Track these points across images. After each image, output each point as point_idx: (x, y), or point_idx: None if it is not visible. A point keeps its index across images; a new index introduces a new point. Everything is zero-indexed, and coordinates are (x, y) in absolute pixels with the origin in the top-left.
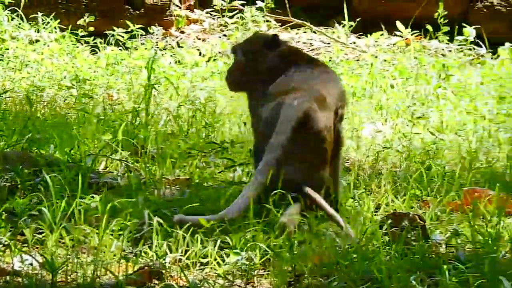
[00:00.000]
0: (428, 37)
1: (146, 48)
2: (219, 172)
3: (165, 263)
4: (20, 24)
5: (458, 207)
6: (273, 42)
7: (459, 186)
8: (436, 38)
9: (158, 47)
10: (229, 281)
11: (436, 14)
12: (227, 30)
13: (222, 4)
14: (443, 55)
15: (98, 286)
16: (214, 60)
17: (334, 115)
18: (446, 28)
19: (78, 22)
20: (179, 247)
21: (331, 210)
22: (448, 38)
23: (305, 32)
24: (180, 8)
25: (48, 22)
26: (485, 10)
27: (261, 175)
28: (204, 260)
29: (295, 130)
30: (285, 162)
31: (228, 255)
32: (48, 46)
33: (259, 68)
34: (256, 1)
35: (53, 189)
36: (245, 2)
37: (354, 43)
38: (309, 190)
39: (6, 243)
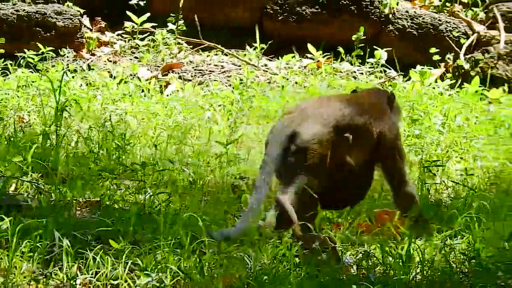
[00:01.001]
0: (339, 59)
1: (57, 70)
2: (129, 194)
3: (76, 284)
4: None
5: (369, 228)
6: None
7: (370, 208)
8: (348, 60)
9: (69, 69)
10: None
11: (354, 36)
12: (138, 52)
13: (133, 27)
14: (355, 77)
15: None
16: (125, 82)
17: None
18: (359, 51)
19: None
20: (90, 268)
21: (297, 228)
22: (359, 60)
23: (216, 54)
24: (91, 30)
25: None
26: (396, 32)
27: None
28: (115, 282)
29: (284, 145)
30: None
31: (138, 277)
32: None
33: None
34: (168, 24)
35: None
36: (156, 24)
37: (266, 65)
38: (283, 201)
39: None
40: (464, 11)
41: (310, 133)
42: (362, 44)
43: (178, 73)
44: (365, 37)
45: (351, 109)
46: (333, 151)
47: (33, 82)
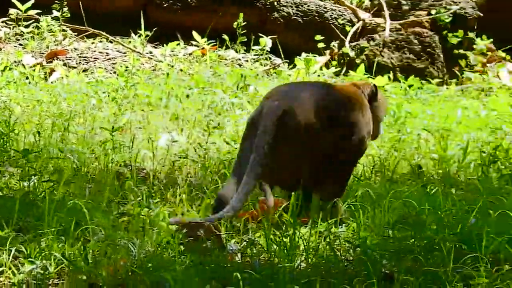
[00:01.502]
0: (224, 47)
1: None
2: (14, 181)
3: None
4: None
5: (254, 216)
6: None
7: (255, 196)
8: (233, 48)
9: None
10: None
11: (235, 24)
12: (22, 39)
13: (17, 13)
14: (240, 65)
15: None
16: (10, 69)
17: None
18: (243, 38)
19: None
20: None
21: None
22: (245, 48)
23: (101, 41)
24: None
25: None
26: (281, 20)
27: (247, 185)
28: None
29: (276, 127)
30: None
31: (23, 264)
32: None
33: None
34: (53, 11)
35: None
36: (41, 11)
37: (151, 52)
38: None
39: None
40: None
41: (303, 116)
42: (246, 31)
43: (63, 60)
44: (250, 24)
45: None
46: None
47: None
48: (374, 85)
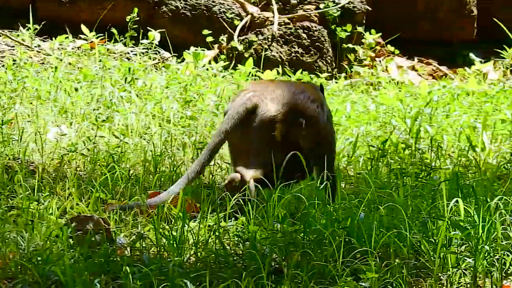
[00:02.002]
0: (113, 40)
1: None
2: None
3: None
4: None
5: (143, 210)
6: None
7: (144, 189)
8: (122, 41)
9: None
10: None
11: (128, 17)
12: None
13: None
14: (128, 58)
15: None
16: None
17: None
18: (133, 32)
19: None
20: None
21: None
22: (134, 42)
23: None
24: None
25: None
26: (170, 14)
27: (191, 173)
28: None
29: (241, 117)
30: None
31: None
32: None
33: None
34: None
35: None
36: None
37: (39, 46)
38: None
39: None
40: None
41: (273, 109)
42: (136, 26)
43: None
44: (138, 18)
45: (304, 95)
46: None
47: None
48: (321, 84)
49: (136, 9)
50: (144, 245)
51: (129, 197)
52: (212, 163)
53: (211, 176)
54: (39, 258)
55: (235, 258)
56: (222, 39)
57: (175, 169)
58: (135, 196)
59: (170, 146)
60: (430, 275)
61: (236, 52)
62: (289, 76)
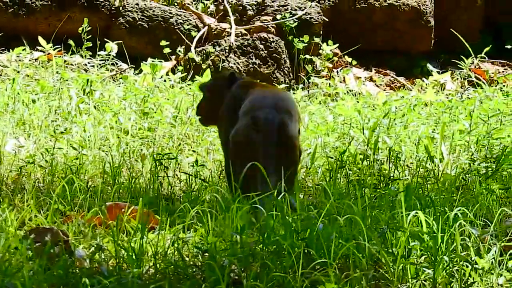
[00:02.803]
0: (70, 52)
1: None
2: None
3: None
4: None
5: (102, 222)
6: (231, 79)
7: (103, 201)
8: (79, 53)
9: None
10: None
11: (80, 29)
12: None
13: None
14: (86, 70)
15: None
16: None
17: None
18: (89, 44)
19: None
20: None
21: None
22: (91, 53)
23: None
24: None
25: None
26: (127, 25)
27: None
28: None
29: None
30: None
31: None
32: None
33: (224, 100)
34: None
35: None
36: None
37: None
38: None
39: None
40: (195, 4)
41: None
42: (93, 37)
43: None
44: (92, 29)
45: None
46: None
47: None
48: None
49: (86, 20)
50: (103, 257)
51: (87, 208)
52: (171, 174)
53: (169, 188)
54: None
55: (194, 269)
56: (180, 51)
57: (133, 180)
58: (93, 207)
59: (129, 158)
60: (390, 286)
61: (194, 63)
62: None
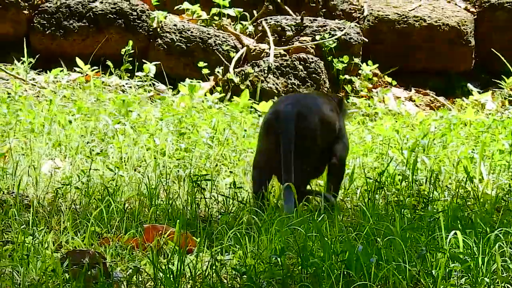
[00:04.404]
0: (108, 73)
1: None
2: None
3: None
4: None
5: (139, 244)
6: None
7: (139, 223)
8: (117, 74)
9: None
10: None
11: (123, 50)
12: None
13: None
14: (123, 91)
15: None
16: None
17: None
18: (128, 65)
19: None
20: None
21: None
22: (129, 75)
23: None
24: None
25: None
26: (165, 46)
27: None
28: None
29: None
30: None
31: None
32: None
33: None
34: None
35: None
36: None
37: (34, 79)
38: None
39: None
40: (233, 25)
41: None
42: (131, 58)
43: None
44: (133, 51)
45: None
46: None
47: None
48: (342, 97)
49: (131, 42)
50: (140, 279)
51: (124, 230)
52: (208, 195)
53: (207, 209)
54: None
55: None
56: (218, 71)
57: (170, 202)
58: (130, 230)
59: (165, 179)
60: None
61: (232, 84)
62: None
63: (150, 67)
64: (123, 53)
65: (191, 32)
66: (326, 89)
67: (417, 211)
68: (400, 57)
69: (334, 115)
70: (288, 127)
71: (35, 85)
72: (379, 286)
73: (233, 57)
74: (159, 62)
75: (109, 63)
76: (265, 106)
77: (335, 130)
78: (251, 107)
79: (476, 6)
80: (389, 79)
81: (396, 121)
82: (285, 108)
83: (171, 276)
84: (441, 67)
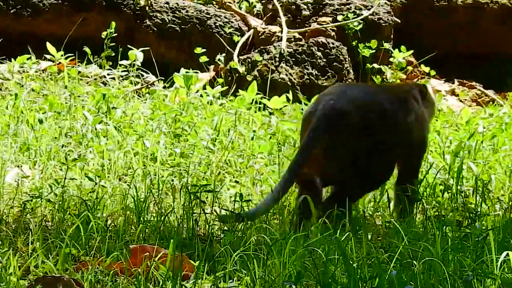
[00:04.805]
0: (85, 61)
1: None
2: None
3: None
4: None
5: (124, 269)
6: None
7: (125, 244)
8: (96, 62)
9: None
10: None
11: (104, 34)
12: None
13: None
14: (105, 83)
15: None
16: None
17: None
18: (110, 52)
19: None
20: None
21: None
22: (111, 63)
23: None
24: None
25: None
26: (155, 28)
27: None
28: None
29: (327, 123)
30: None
31: None
32: None
33: None
34: None
35: None
36: None
37: None
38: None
39: None
40: (238, 3)
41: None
42: (114, 43)
43: None
44: (116, 34)
45: None
46: None
47: None
48: (424, 85)
49: (113, 23)
50: None
51: (106, 252)
52: (208, 210)
53: (207, 227)
54: None
55: None
56: (219, 59)
57: (162, 218)
58: (113, 251)
59: (157, 190)
60: None
61: (237, 74)
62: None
63: (137, 54)
64: (104, 36)
65: (187, 11)
66: (350, 80)
67: (462, 228)
68: (439, 41)
69: (396, 112)
70: (320, 125)
71: None
72: None
73: (238, 41)
74: (148, 48)
75: (86, 49)
76: (276, 102)
77: (398, 131)
78: (260, 102)
79: None
80: (427, 69)
81: (437, 120)
82: (325, 104)
83: None
84: (489, 54)
